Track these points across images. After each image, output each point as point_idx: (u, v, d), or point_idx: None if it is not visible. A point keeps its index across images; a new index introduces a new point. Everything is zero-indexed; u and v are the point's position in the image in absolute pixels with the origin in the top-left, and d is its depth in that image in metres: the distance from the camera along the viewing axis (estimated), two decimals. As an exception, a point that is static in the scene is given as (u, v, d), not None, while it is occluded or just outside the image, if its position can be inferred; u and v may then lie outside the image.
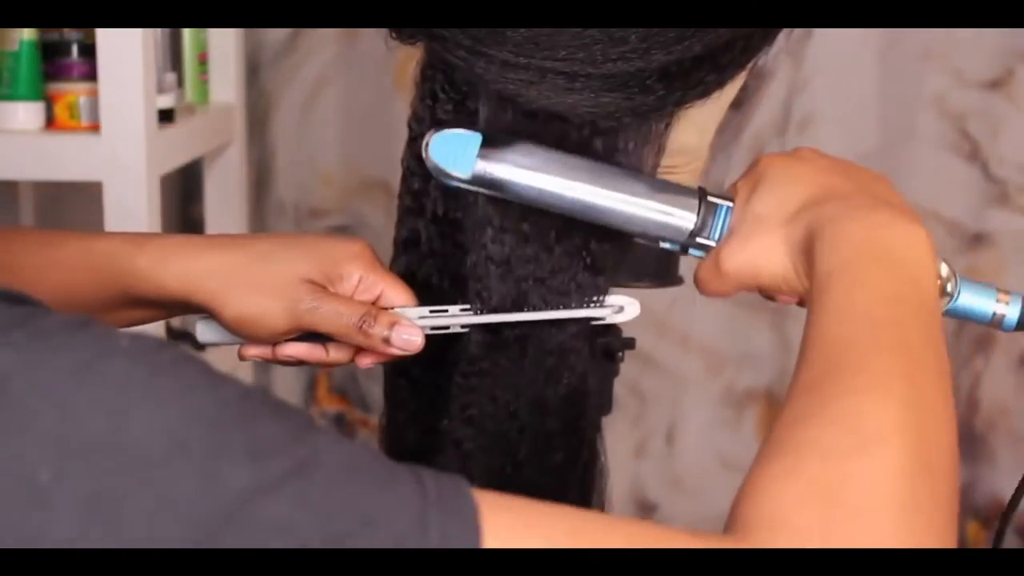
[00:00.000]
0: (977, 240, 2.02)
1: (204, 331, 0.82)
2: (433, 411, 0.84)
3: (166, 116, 1.58)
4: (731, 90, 0.80)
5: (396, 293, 0.80)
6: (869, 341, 0.64)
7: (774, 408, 2.10)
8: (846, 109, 2.00)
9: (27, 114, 1.48)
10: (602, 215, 0.76)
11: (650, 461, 2.15)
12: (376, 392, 2.10)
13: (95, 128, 1.48)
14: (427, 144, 0.76)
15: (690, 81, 0.75)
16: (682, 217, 0.77)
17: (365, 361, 0.82)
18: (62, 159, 1.47)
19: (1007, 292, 0.78)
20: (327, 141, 2.07)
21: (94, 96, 1.48)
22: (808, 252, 0.71)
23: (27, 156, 1.48)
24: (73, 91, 1.50)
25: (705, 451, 2.12)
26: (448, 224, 0.81)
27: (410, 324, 0.78)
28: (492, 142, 0.75)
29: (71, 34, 1.50)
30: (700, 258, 0.78)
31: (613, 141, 0.76)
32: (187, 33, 1.78)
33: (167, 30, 1.65)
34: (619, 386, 2.01)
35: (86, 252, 0.81)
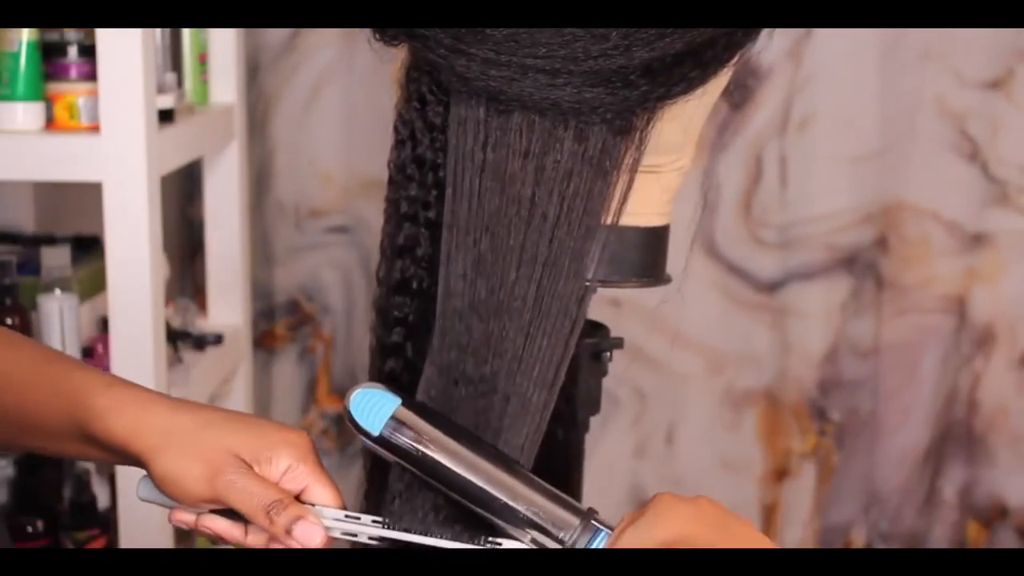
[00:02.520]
0: (977, 240, 2.02)
1: (144, 488, 0.83)
2: None
3: (166, 116, 1.58)
4: (715, 87, 0.80)
5: (322, 491, 0.80)
6: None
7: (774, 408, 2.09)
8: (846, 109, 2.00)
9: (27, 114, 1.48)
10: (488, 504, 0.77)
11: (650, 461, 2.14)
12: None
13: (95, 128, 1.47)
14: (350, 395, 0.79)
15: (673, 77, 0.75)
16: (560, 530, 0.77)
17: (272, 545, 0.81)
18: (62, 159, 1.47)
19: None
20: (327, 141, 2.07)
21: (94, 96, 1.48)
22: None
23: (27, 156, 1.48)
24: (73, 91, 1.49)
25: (705, 451, 2.12)
26: (440, 228, 0.82)
27: (315, 522, 0.78)
28: (410, 409, 0.78)
29: (71, 34, 1.49)
30: None
31: (592, 139, 0.76)
32: (187, 33, 1.78)
33: (167, 30, 1.65)
34: (619, 386, 2.01)
35: (64, 378, 0.83)
